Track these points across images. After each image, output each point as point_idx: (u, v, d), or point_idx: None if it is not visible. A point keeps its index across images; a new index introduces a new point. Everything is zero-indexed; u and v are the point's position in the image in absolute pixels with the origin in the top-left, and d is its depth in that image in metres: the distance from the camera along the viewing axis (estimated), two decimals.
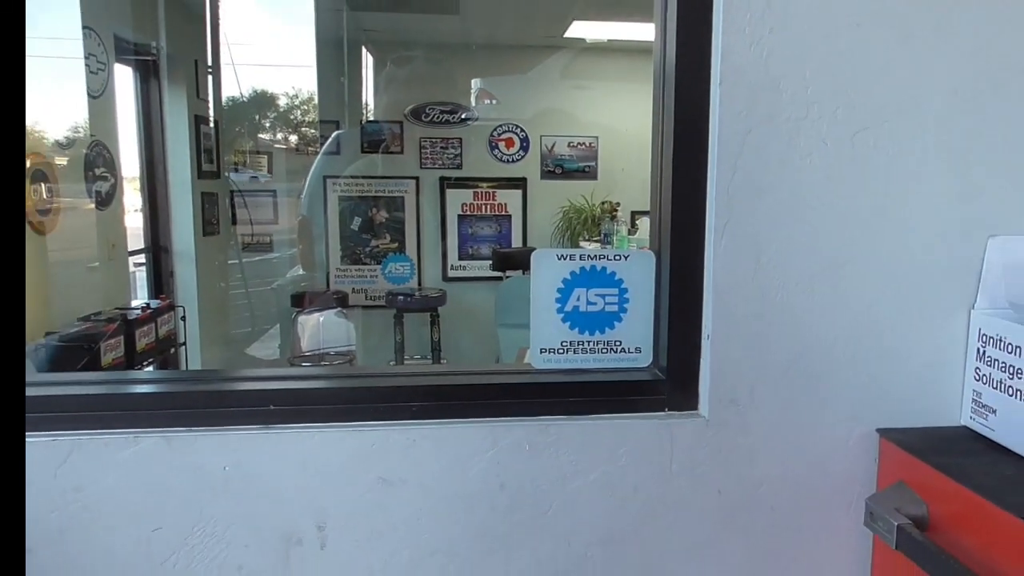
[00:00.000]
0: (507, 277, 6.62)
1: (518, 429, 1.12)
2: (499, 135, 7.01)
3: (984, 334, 1.09)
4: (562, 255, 1.17)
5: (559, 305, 1.17)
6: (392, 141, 7.00)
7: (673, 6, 1.09)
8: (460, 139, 7.01)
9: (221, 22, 5.57)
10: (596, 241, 6.19)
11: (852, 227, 1.10)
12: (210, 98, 5.83)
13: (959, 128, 1.09)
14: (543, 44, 6.72)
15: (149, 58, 4.87)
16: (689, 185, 1.10)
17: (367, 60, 6.84)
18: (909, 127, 1.08)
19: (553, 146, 7.03)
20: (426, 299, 6.49)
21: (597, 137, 7.03)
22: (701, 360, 1.13)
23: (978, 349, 1.10)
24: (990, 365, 1.07)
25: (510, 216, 7.02)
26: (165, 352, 4.03)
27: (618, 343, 1.18)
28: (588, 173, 7.04)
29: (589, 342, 1.18)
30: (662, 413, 1.14)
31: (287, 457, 1.08)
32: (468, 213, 7.04)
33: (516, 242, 7.00)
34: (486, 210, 7.04)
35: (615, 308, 1.17)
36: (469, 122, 6.91)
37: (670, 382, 1.14)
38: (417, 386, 1.14)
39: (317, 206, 7.04)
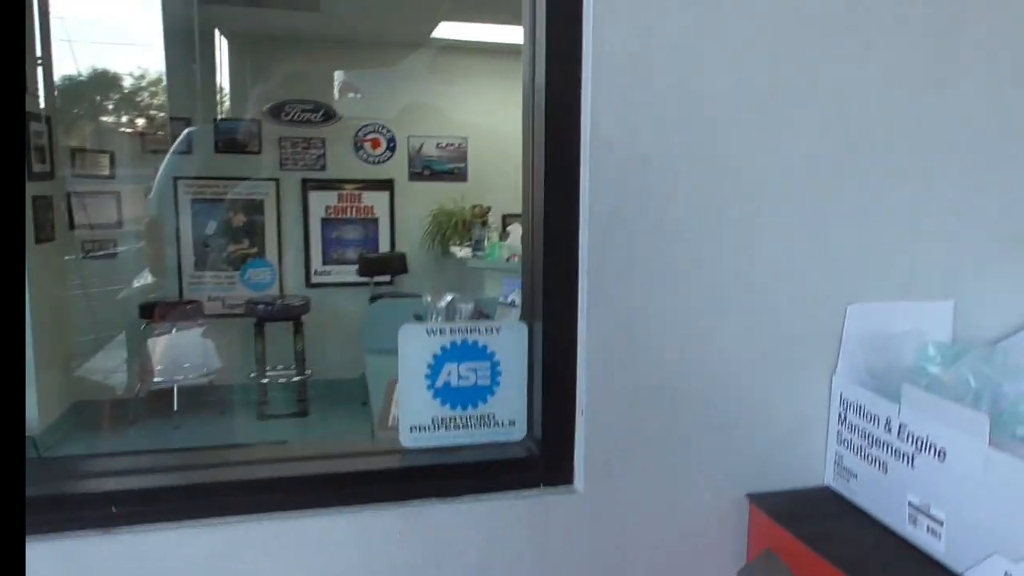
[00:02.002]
0: (375, 283, 6.48)
1: (388, 516, 1.05)
2: (364, 135, 6.84)
3: (845, 399, 1.11)
4: (431, 330, 1.11)
5: (429, 381, 1.11)
6: (249, 140, 6.69)
7: (542, 75, 1.05)
8: (323, 139, 6.79)
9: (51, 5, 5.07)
10: (468, 246, 6.15)
11: (720, 297, 1.10)
12: (40, 92, 5.34)
13: (818, 201, 1.11)
14: (410, 43, 6.59)
15: None
16: (561, 256, 1.07)
17: (222, 53, 6.48)
18: (771, 200, 1.09)
19: (421, 147, 6.93)
20: (289, 307, 6.26)
21: (467, 138, 6.98)
22: (576, 434, 1.10)
23: (839, 414, 1.13)
24: (851, 431, 1.10)
25: (377, 219, 6.88)
26: None
27: (491, 416, 1.14)
28: (458, 175, 6.99)
29: (461, 417, 1.13)
30: (537, 489, 1.11)
31: (131, 563, 0.97)
32: (333, 216, 6.84)
33: (384, 246, 6.87)
34: (352, 213, 6.86)
35: (487, 381, 1.13)
36: (332, 121, 6.70)
37: (544, 458, 1.11)
38: (276, 478, 1.05)
39: (167, 208, 6.64)
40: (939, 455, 0.93)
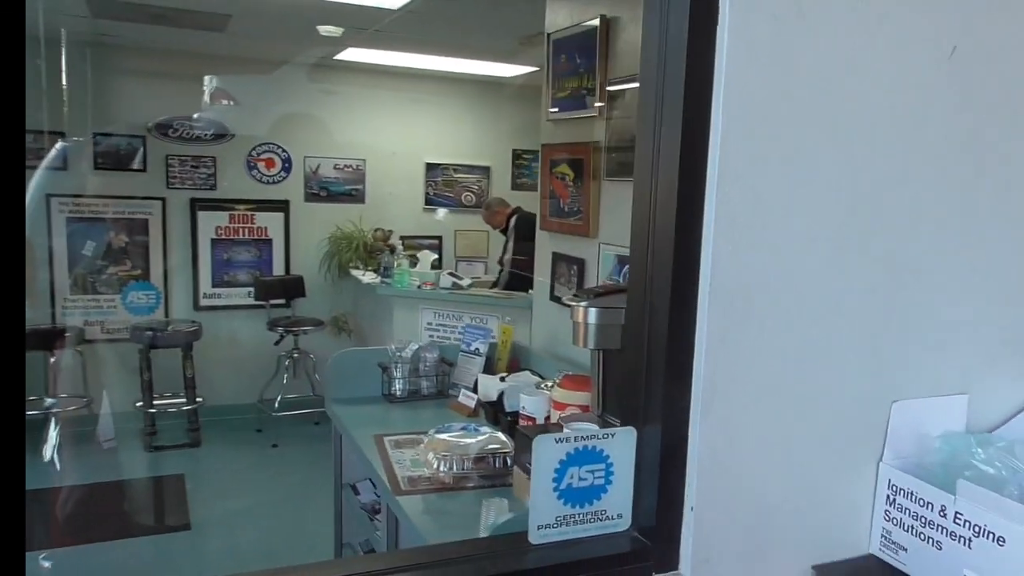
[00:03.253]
0: (271, 306, 6.33)
1: None
2: (258, 155, 6.69)
3: (893, 484, 1.33)
4: (559, 439, 1.23)
5: (555, 484, 1.23)
6: (132, 157, 6.38)
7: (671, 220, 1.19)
8: (214, 158, 6.58)
9: None
10: (371, 271, 6.13)
11: (796, 404, 1.29)
12: None
13: (869, 313, 1.32)
14: (315, 63, 6.48)
15: None
16: (677, 374, 1.22)
17: (98, 64, 6.11)
18: (828, 318, 1.29)
19: (318, 167, 6.86)
20: (179, 333, 6.02)
21: (364, 160, 6.97)
22: (684, 526, 1.26)
23: (887, 496, 1.34)
24: (900, 511, 1.32)
25: (271, 240, 6.74)
26: None
27: (603, 512, 1.27)
28: (355, 196, 6.96)
29: (579, 514, 1.25)
30: None
31: None
32: (223, 237, 6.64)
33: (278, 268, 6.74)
34: (244, 234, 6.69)
35: (602, 481, 1.26)
36: (224, 140, 6.50)
37: (655, 547, 1.25)
38: None
39: (39, 227, 6.21)
40: (998, 541, 1.15)
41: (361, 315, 6.60)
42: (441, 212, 7.38)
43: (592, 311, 1.85)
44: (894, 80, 1.28)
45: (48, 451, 5.47)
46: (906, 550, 1.31)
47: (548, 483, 1.22)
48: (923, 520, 1.28)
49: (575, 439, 1.24)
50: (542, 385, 2.46)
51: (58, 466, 5.41)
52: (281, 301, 6.57)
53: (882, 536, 1.36)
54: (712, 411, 1.22)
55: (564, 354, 2.94)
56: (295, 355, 6.28)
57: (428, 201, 7.36)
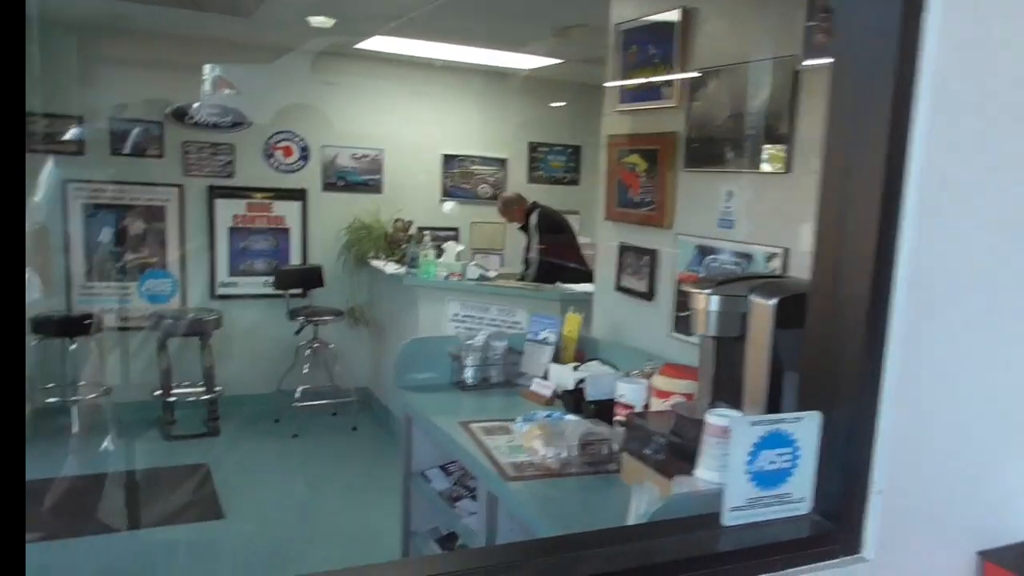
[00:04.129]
0: (290, 295, 6.28)
1: None
2: (276, 143, 6.64)
3: None
4: (755, 422, 1.24)
5: (748, 467, 1.24)
6: (150, 143, 6.31)
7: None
8: (232, 145, 6.53)
9: None
10: (394, 261, 6.11)
11: (978, 392, 1.31)
12: None
13: None
14: (336, 52, 6.44)
15: None
16: (871, 361, 1.23)
17: (111, 49, 6.03)
18: (1012, 308, 1.31)
19: (335, 157, 6.82)
20: (198, 322, 5.98)
21: (382, 149, 6.93)
22: (869, 511, 1.27)
23: None
24: None
25: (288, 230, 6.70)
26: None
27: (788, 495, 1.28)
28: (372, 187, 6.93)
29: (767, 496, 1.26)
30: (836, 560, 1.26)
31: None
32: (240, 225, 6.59)
33: (295, 258, 6.70)
34: (261, 223, 6.64)
35: (788, 464, 1.27)
36: (242, 127, 6.45)
37: (841, 531, 1.27)
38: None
39: (55, 214, 6.13)
40: None
41: (379, 306, 6.58)
42: (448, 205, 7.37)
43: (714, 299, 1.87)
44: None
45: (72, 438, 5.42)
46: None
47: (742, 466, 1.23)
48: None
49: (769, 423, 1.25)
50: (629, 374, 2.47)
51: (85, 453, 5.37)
52: (299, 291, 6.54)
53: None
54: (902, 398, 1.23)
55: (631, 344, 2.95)
56: (315, 345, 6.24)
57: (445, 192, 7.35)
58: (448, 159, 7.23)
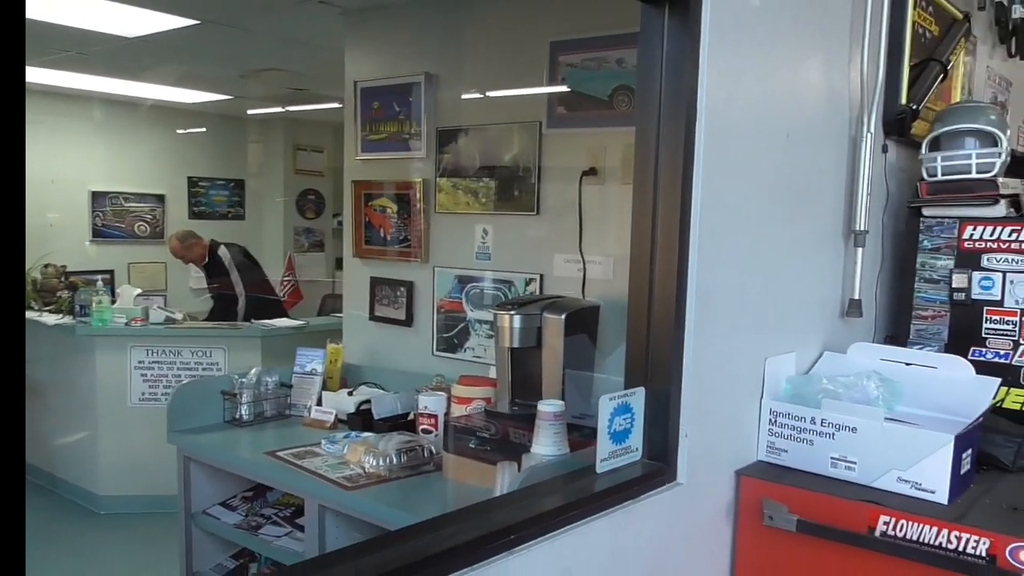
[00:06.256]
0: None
1: (603, 522, 1.64)
2: None
3: (772, 411, 2.05)
4: (612, 397, 1.72)
5: (609, 429, 1.71)
6: None
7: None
8: None
9: None
10: (50, 311, 5.49)
11: (730, 363, 1.94)
12: None
13: (759, 306, 2.03)
14: None
15: None
16: (676, 350, 1.79)
17: None
18: (741, 308, 1.98)
19: None
20: None
21: None
22: (680, 450, 1.82)
23: (770, 418, 2.06)
24: (780, 426, 2.04)
25: None
26: None
27: (629, 447, 1.78)
28: None
29: (618, 450, 1.75)
30: (664, 487, 1.80)
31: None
32: None
33: None
34: None
35: (629, 425, 1.78)
36: None
37: (665, 467, 1.81)
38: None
39: None
40: (852, 430, 1.92)
41: (35, 365, 5.92)
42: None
43: (517, 317, 2.34)
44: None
45: None
46: (787, 451, 2.04)
47: (606, 428, 1.71)
48: (798, 429, 2.01)
49: (619, 397, 1.74)
50: (421, 389, 2.82)
51: None
52: None
53: (767, 446, 2.07)
54: (694, 373, 1.81)
55: (393, 367, 3.30)
56: None
57: (96, 232, 6.89)
58: (98, 196, 6.82)
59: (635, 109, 1.81)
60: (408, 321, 3.28)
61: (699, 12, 1.72)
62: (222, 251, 5.98)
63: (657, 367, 1.81)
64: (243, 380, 3.02)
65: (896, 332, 2.66)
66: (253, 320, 5.40)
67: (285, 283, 6.86)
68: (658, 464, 1.82)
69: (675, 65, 1.73)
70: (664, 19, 1.73)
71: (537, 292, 2.82)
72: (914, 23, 2.54)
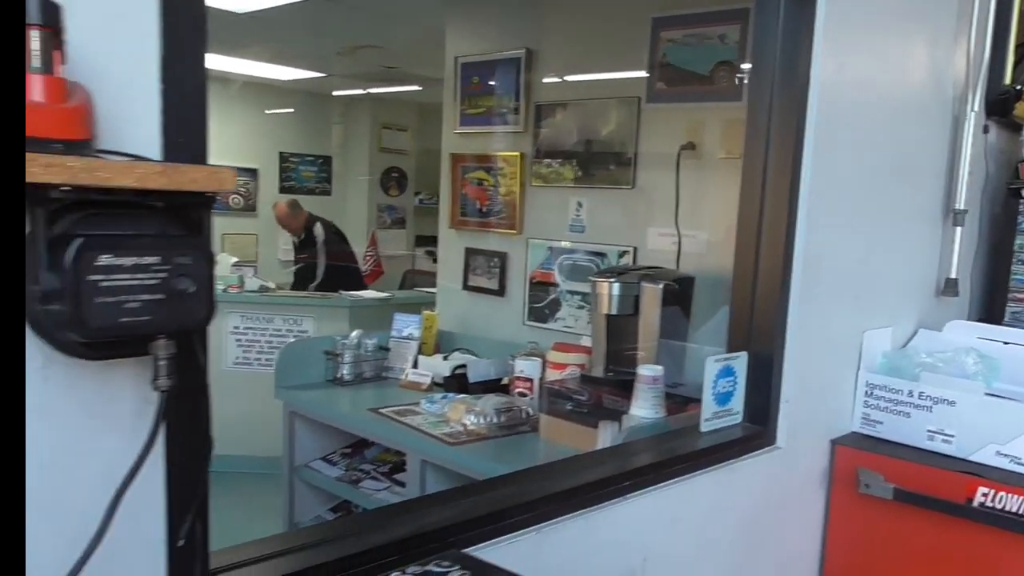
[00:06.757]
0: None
1: (713, 474, 1.72)
2: None
3: (869, 383, 2.09)
4: (717, 359, 1.79)
5: (713, 390, 1.79)
6: None
7: None
8: None
9: None
10: None
11: (830, 330, 1.99)
12: None
13: (857, 279, 2.06)
14: None
15: None
16: (780, 315, 1.84)
17: None
18: (842, 281, 2.02)
19: None
20: None
21: None
22: (780, 415, 1.89)
23: (866, 390, 2.10)
24: (876, 398, 2.07)
25: None
26: None
27: (731, 409, 1.85)
28: None
29: (720, 411, 1.82)
30: (764, 450, 1.86)
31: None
32: None
33: None
34: None
35: (732, 388, 1.84)
36: None
37: (766, 430, 1.87)
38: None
39: None
40: (950, 403, 1.95)
41: None
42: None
43: (615, 285, 2.42)
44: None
45: None
46: (882, 423, 2.07)
47: (710, 389, 1.78)
48: (895, 401, 2.05)
49: (723, 360, 1.81)
50: (516, 355, 2.92)
51: None
52: None
53: (862, 417, 2.11)
54: (797, 340, 1.87)
55: (484, 335, 3.41)
56: None
57: None
58: None
59: (748, 82, 1.87)
60: (500, 291, 3.38)
61: None
62: (317, 227, 6.18)
63: (761, 332, 1.87)
64: (344, 341, 3.18)
65: (991, 314, 2.65)
66: (341, 291, 5.60)
67: (368, 258, 7.06)
68: (758, 427, 1.88)
69: (790, 41, 1.78)
70: (781, 1, 1.78)
71: (631, 262, 2.89)
72: (1021, 4, 2.51)
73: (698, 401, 1.80)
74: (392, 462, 2.96)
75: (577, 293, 3.11)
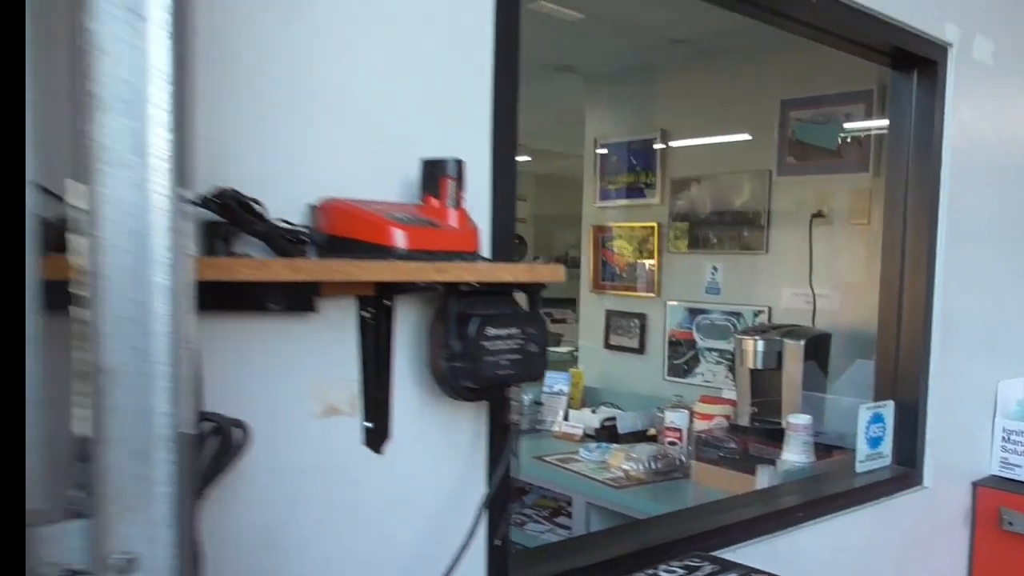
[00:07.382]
0: None
1: (864, 512, 1.96)
2: None
3: (1006, 428, 2.28)
4: (868, 407, 2.04)
5: (866, 435, 2.04)
6: None
7: None
8: None
9: None
10: None
11: (965, 379, 2.21)
12: None
13: (990, 329, 2.28)
14: None
15: None
16: (922, 368, 2.08)
17: None
18: (979, 330, 2.24)
19: None
20: None
21: None
22: (927, 456, 2.11)
23: (1003, 435, 2.29)
24: (1013, 443, 2.27)
25: None
26: None
27: (881, 452, 2.09)
28: None
29: (872, 454, 2.07)
30: (912, 489, 2.09)
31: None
32: None
33: None
34: None
35: (881, 433, 2.09)
36: None
37: (913, 471, 2.10)
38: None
39: None
40: None
41: None
42: None
43: (760, 342, 2.69)
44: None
45: None
46: (1020, 466, 2.26)
47: (864, 434, 2.03)
48: None
49: (874, 408, 2.06)
50: (663, 408, 3.20)
51: None
52: None
53: (1000, 461, 2.30)
54: (938, 389, 2.11)
55: (625, 389, 3.71)
56: None
57: None
58: None
59: (885, 157, 2.16)
60: (640, 349, 3.69)
61: (944, 74, 2.06)
62: None
63: (905, 383, 2.11)
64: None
65: None
66: None
67: None
68: (906, 469, 2.12)
69: (922, 118, 2.07)
70: (913, 82, 2.07)
71: (766, 321, 3.15)
72: None
73: (839, 448, 2.05)
74: (550, 507, 3.27)
75: (715, 350, 3.39)
